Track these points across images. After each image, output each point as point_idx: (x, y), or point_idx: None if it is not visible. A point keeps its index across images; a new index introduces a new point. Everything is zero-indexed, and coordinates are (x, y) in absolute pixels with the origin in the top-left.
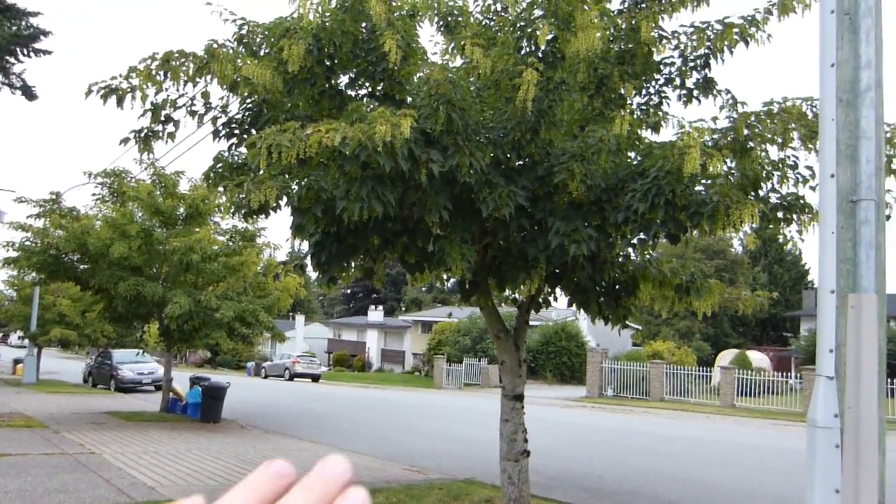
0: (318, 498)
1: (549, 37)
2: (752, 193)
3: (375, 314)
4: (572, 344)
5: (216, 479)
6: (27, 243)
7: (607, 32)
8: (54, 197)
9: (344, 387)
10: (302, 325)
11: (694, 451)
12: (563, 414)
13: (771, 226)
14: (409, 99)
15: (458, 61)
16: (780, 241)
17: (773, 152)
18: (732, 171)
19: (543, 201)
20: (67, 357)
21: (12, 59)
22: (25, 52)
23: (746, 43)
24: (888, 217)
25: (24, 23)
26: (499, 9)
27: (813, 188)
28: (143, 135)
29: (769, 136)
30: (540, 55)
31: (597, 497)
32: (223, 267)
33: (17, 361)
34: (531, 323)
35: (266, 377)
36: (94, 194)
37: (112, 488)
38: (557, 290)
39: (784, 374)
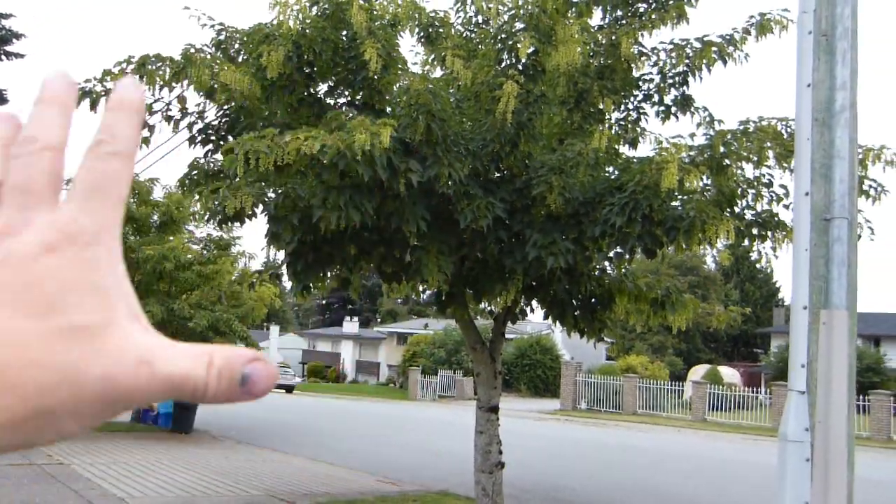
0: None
1: (530, 50)
2: (728, 210)
3: (351, 325)
4: (547, 357)
5: (187, 491)
6: None
7: (588, 47)
8: None
9: (318, 398)
10: (276, 335)
11: (666, 464)
12: (537, 426)
13: (746, 242)
14: (389, 109)
15: (439, 72)
16: (754, 257)
17: (749, 170)
18: (708, 188)
19: (521, 213)
20: None
21: None
22: None
23: (724, 62)
24: (859, 236)
25: None
26: (480, 21)
27: (787, 206)
28: None
29: (745, 154)
30: (520, 68)
31: None
32: (197, 276)
33: None
34: (506, 335)
35: None
36: None
37: (81, 500)
38: (534, 302)
39: (754, 389)
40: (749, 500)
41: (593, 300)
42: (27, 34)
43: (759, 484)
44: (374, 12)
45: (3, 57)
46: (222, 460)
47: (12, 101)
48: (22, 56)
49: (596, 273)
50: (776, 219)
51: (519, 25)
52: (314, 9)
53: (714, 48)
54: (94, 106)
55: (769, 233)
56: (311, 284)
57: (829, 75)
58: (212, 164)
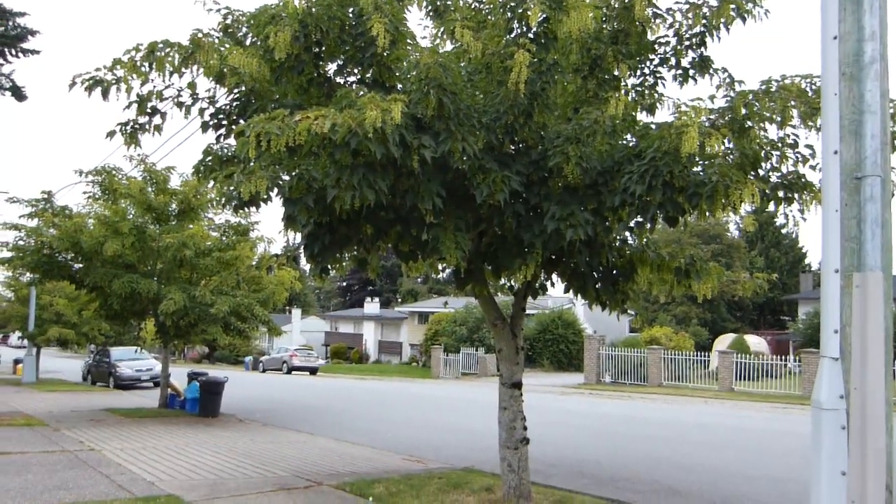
0: None
1: (541, 17)
2: (752, 173)
3: (372, 306)
4: (569, 331)
5: (215, 473)
6: (21, 243)
7: (600, 12)
8: (46, 196)
9: (342, 379)
10: (298, 318)
11: (693, 435)
12: (561, 401)
13: (771, 206)
14: (399, 85)
15: (448, 46)
16: (780, 222)
17: (773, 131)
18: (731, 151)
19: (538, 186)
20: (66, 356)
21: (1, 60)
22: (13, 52)
23: (743, 19)
24: (894, 194)
25: (10, 23)
26: None
27: (813, 167)
28: (129, 127)
29: (768, 114)
30: (531, 36)
31: (596, 483)
32: (217, 262)
33: (17, 361)
34: (528, 311)
35: (264, 371)
36: (85, 192)
37: (112, 484)
38: (554, 276)
39: (782, 357)
40: (781, 471)
41: (615, 271)
42: (41, 31)
43: (790, 453)
44: None
45: (20, 54)
46: (248, 443)
47: (30, 97)
48: (37, 52)
49: (617, 244)
50: (803, 180)
51: None
52: None
53: (732, 6)
54: (105, 95)
55: (796, 195)
56: (328, 266)
57: (857, 26)
58: (225, 150)
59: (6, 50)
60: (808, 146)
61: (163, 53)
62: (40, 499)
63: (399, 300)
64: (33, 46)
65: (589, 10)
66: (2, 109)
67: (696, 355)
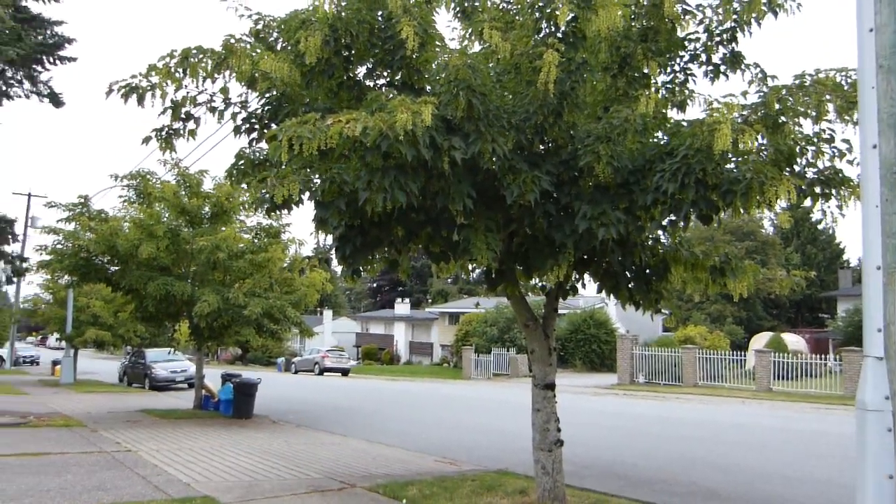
0: None
1: (569, 16)
2: (787, 169)
3: (402, 307)
4: (601, 331)
5: (249, 474)
6: (59, 246)
7: (629, 9)
8: (83, 200)
9: (373, 380)
10: (330, 319)
11: (731, 436)
12: (595, 402)
13: (808, 202)
14: (428, 87)
15: (477, 47)
16: (816, 218)
17: (808, 126)
18: (764, 147)
19: (569, 185)
20: (103, 357)
21: (39, 68)
22: (51, 59)
23: (775, 13)
24: None
25: (49, 31)
26: None
27: (850, 162)
28: (164, 133)
29: (802, 109)
30: (560, 36)
31: (632, 485)
32: (249, 264)
33: (55, 363)
34: (559, 311)
35: (296, 372)
36: (121, 196)
37: (149, 485)
38: (586, 276)
39: (822, 356)
40: (824, 473)
41: (648, 270)
42: (77, 38)
43: (833, 455)
44: None
45: (57, 62)
46: (282, 444)
47: (67, 104)
48: (74, 60)
49: (649, 242)
50: (840, 175)
51: None
52: None
53: (763, 0)
54: (140, 101)
55: (833, 191)
56: (360, 268)
57: (894, 17)
58: (257, 154)
59: (44, 58)
60: (845, 141)
61: (196, 59)
62: (80, 499)
63: (429, 301)
64: (70, 54)
65: (618, 8)
66: (40, 116)
67: (732, 354)
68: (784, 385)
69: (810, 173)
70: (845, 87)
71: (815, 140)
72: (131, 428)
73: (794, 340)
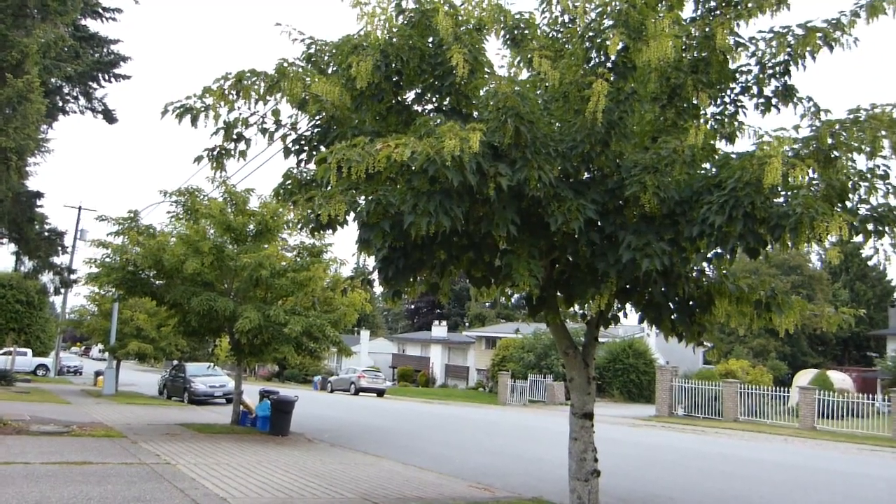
0: None
1: (620, 46)
2: (839, 205)
3: (439, 329)
4: (640, 361)
5: (285, 492)
6: (107, 260)
7: (680, 41)
8: (132, 215)
9: (409, 402)
10: (367, 339)
11: (771, 474)
12: (632, 433)
13: (860, 238)
14: (476, 113)
15: (525, 74)
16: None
17: (861, 162)
18: (815, 182)
19: (614, 215)
20: (144, 370)
21: (94, 85)
22: (106, 77)
23: (830, 48)
24: None
25: (105, 50)
26: (566, 20)
27: None
28: (215, 153)
29: (856, 144)
30: (610, 66)
31: None
32: (291, 282)
33: (97, 373)
34: (598, 340)
35: (332, 391)
36: (169, 212)
37: (186, 498)
38: (628, 305)
39: (869, 395)
40: None
41: (691, 303)
42: (133, 57)
43: (877, 498)
44: (460, 17)
45: (112, 79)
46: (317, 463)
47: (120, 120)
48: (128, 77)
49: (694, 274)
50: (894, 213)
51: (607, 22)
52: (400, 17)
53: (819, 34)
54: (194, 122)
55: (887, 228)
56: (401, 290)
57: None
58: (304, 174)
59: (100, 75)
60: None
61: (250, 82)
62: None
63: (467, 324)
64: (125, 72)
65: (669, 39)
66: (94, 131)
67: (775, 390)
68: (828, 424)
69: (863, 210)
70: None
71: (869, 176)
72: (170, 441)
73: (840, 378)
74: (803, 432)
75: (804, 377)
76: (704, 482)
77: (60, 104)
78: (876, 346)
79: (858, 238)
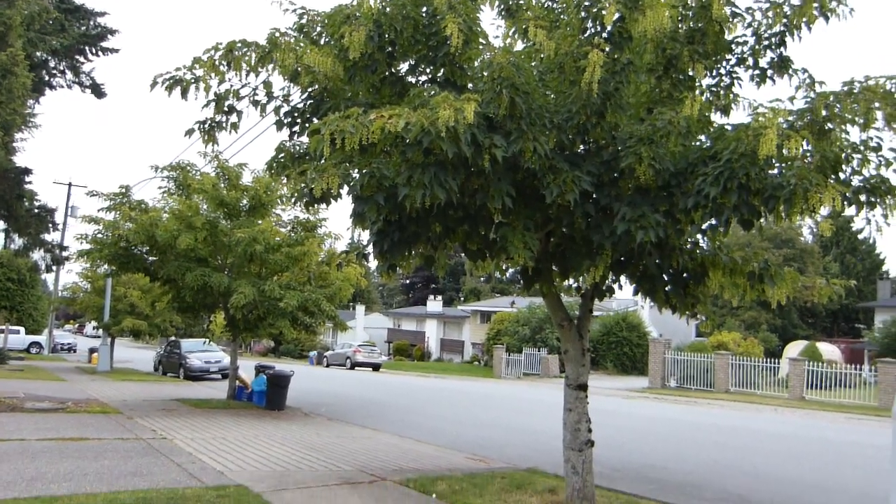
0: None
1: (616, 16)
2: (833, 176)
3: (435, 304)
4: (633, 334)
5: (282, 465)
6: (99, 236)
7: (676, 11)
8: (124, 191)
9: (404, 376)
10: (362, 314)
11: (763, 444)
12: (626, 405)
13: (853, 210)
14: (471, 84)
15: (520, 45)
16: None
17: (855, 134)
18: (809, 154)
19: (609, 187)
20: (139, 346)
21: (82, 59)
22: (94, 51)
23: (826, 18)
24: None
25: (92, 22)
26: None
27: None
28: (207, 126)
29: (850, 116)
30: (606, 36)
31: (663, 489)
32: (286, 257)
33: (92, 350)
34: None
35: (328, 366)
36: (161, 187)
37: (183, 472)
38: (622, 277)
39: (857, 366)
40: (856, 483)
41: (685, 274)
42: (120, 30)
43: (866, 466)
44: None
45: (100, 53)
46: (314, 436)
47: (109, 94)
48: (116, 51)
49: (688, 246)
50: (886, 184)
51: None
52: None
53: (815, 4)
54: (184, 94)
55: (879, 199)
56: (396, 263)
57: None
58: (298, 147)
59: (87, 49)
60: (893, 149)
61: (240, 53)
62: (116, 483)
63: (462, 299)
64: (112, 45)
65: (665, 9)
66: (82, 106)
67: (766, 362)
68: (817, 394)
69: (856, 181)
70: (895, 95)
71: (862, 148)
72: (166, 416)
73: (829, 350)
74: (793, 402)
75: (794, 349)
76: (697, 452)
77: (47, 78)
78: (864, 318)
79: (851, 210)
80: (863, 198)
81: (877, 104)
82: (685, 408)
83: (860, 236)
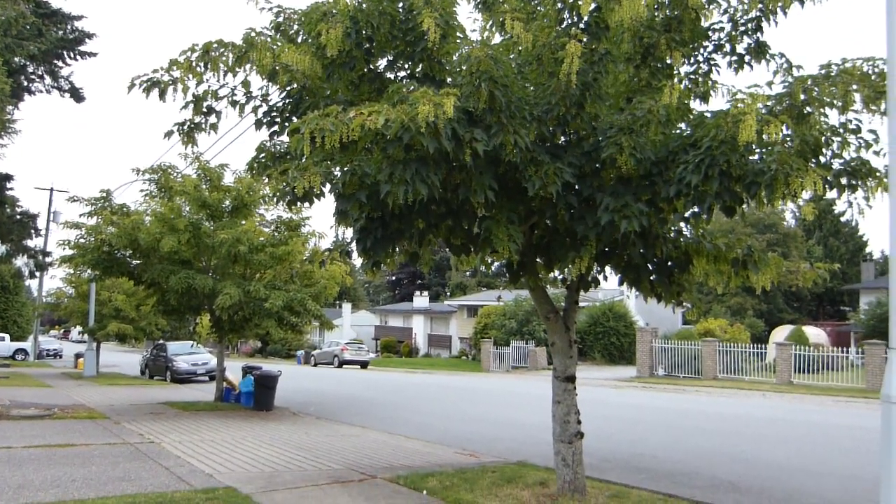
0: None
1: (592, 7)
2: (813, 160)
3: (421, 300)
4: (620, 324)
5: (271, 466)
6: (81, 241)
7: None
8: (105, 195)
9: (392, 373)
10: (349, 312)
11: (752, 429)
12: (615, 395)
13: (835, 193)
14: (449, 79)
15: (498, 38)
16: (843, 209)
17: (834, 117)
18: (789, 138)
19: (591, 177)
20: (125, 350)
21: (60, 63)
22: (72, 55)
23: (801, 2)
24: None
25: (69, 26)
26: None
27: (877, 153)
28: (186, 127)
29: (828, 99)
30: (583, 26)
31: (653, 478)
32: (270, 257)
33: (78, 356)
34: (579, 304)
35: (316, 365)
36: (142, 190)
37: (172, 476)
38: (607, 268)
39: (843, 349)
40: (847, 467)
41: (670, 263)
42: (98, 33)
43: (856, 449)
44: None
45: (78, 57)
46: (303, 436)
47: (88, 98)
48: (94, 55)
49: (672, 235)
50: (867, 166)
51: None
52: None
53: None
54: (162, 95)
55: (860, 182)
56: (380, 260)
57: None
58: (278, 147)
59: (65, 53)
60: (872, 131)
61: (217, 53)
62: (104, 489)
63: (448, 294)
64: (90, 49)
65: None
66: (61, 111)
67: (753, 347)
68: (805, 378)
69: (836, 164)
70: (873, 77)
71: (842, 131)
72: (154, 420)
73: (815, 333)
74: (781, 387)
75: (780, 333)
76: (687, 440)
77: (26, 84)
78: (849, 301)
79: (833, 193)
80: (844, 181)
81: (854, 86)
82: (674, 396)
83: (843, 219)
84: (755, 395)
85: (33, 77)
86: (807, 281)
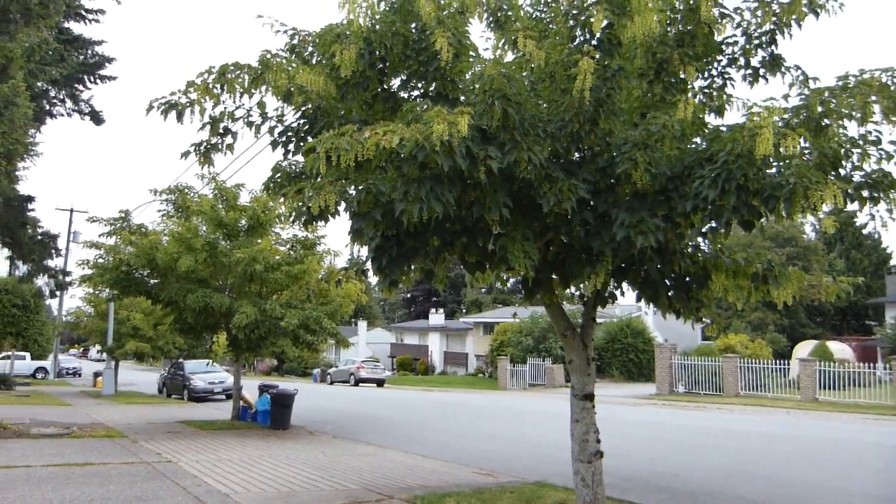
0: None
1: (604, 23)
2: (833, 173)
3: (437, 317)
4: (638, 340)
5: (288, 486)
6: (100, 261)
7: (665, 14)
8: (123, 215)
9: (408, 391)
10: (364, 330)
11: (776, 447)
12: (634, 412)
13: (856, 206)
14: (463, 97)
15: (510, 56)
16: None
17: (853, 128)
18: (807, 151)
19: (606, 193)
20: (142, 369)
21: (80, 87)
22: (92, 79)
23: (816, 14)
24: None
25: (90, 51)
26: (549, 0)
27: None
28: (202, 148)
29: (847, 111)
30: (595, 43)
31: (675, 498)
32: (286, 276)
33: (96, 374)
34: (596, 320)
35: (332, 383)
36: (160, 210)
37: (189, 496)
38: (624, 284)
39: (870, 364)
40: (875, 486)
41: (688, 278)
42: (117, 57)
43: (886, 468)
44: (442, 1)
45: (98, 80)
46: (319, 455)
47: (107, 121)
48: (114, 78)
49: (689, 250)
50: (889, 178)
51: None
52: (382, 4)
53: (804, 0)
54: (179, 117)
55: (882, 194)
56: (396, 279)
57: None
58: (293, 166)
59: (86, 77)
60: (893, 142)
61: (233, 75)
62: None
63: (463, 311)
64: (110, 73)
65: (653, 13)
66: (82, 133)
67: (775, 363)
68: (830, 395)
69: (857, 177)
70: (892, 88)
71: (861, 142)
72: (171, 439)
73: (839, 349)
74: (805, 404)
75: (804, 349)
76: (708, 458)
77: (47, 107)
78: (874, 315)
79: (854, 206)
80: (865, 193)
81: (874, 97)
82: (695, 413)
83: (865, 231)
84: (779, 413)
85: (55, 101)
86: (829, 295)
